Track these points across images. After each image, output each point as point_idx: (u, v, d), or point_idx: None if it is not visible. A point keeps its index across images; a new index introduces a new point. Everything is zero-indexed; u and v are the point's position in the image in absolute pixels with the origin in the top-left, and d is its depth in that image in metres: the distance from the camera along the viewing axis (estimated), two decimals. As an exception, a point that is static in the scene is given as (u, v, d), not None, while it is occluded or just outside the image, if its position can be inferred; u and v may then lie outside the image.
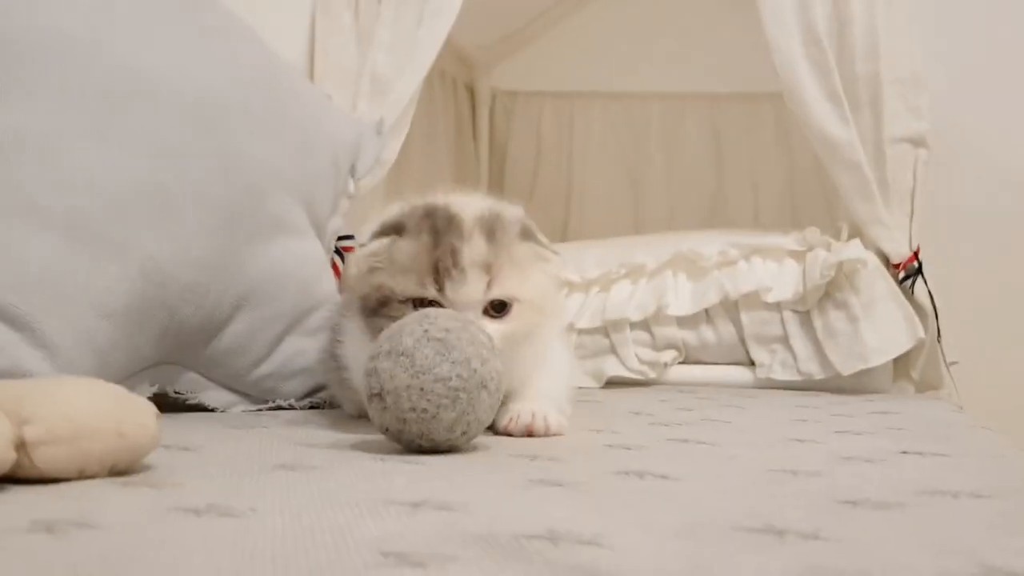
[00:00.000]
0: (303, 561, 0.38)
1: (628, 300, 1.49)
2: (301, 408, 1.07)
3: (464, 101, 2.29)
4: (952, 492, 0.54)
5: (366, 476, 0.60)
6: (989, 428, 1.01)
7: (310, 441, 0.77)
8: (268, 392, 1.05)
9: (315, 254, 1.12)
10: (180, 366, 0.97)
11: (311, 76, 1.59)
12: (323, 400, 1.09)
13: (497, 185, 2.29)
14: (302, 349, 1.06)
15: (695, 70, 2.20)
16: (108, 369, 0.84)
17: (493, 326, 0.80)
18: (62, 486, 0.53)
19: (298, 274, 1.06)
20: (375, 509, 0.48)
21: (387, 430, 0.71)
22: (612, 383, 1.45)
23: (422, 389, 0.69)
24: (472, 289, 0.80)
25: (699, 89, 2.22)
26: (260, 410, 1.04)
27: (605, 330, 1.48)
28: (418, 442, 0.70)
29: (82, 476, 0.55)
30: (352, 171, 1.32)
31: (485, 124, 2.35)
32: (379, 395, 0.70)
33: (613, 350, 1.47)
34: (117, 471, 0.57)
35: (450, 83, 2.19)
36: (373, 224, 0.85)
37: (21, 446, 0.52)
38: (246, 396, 1.04)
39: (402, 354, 0.70)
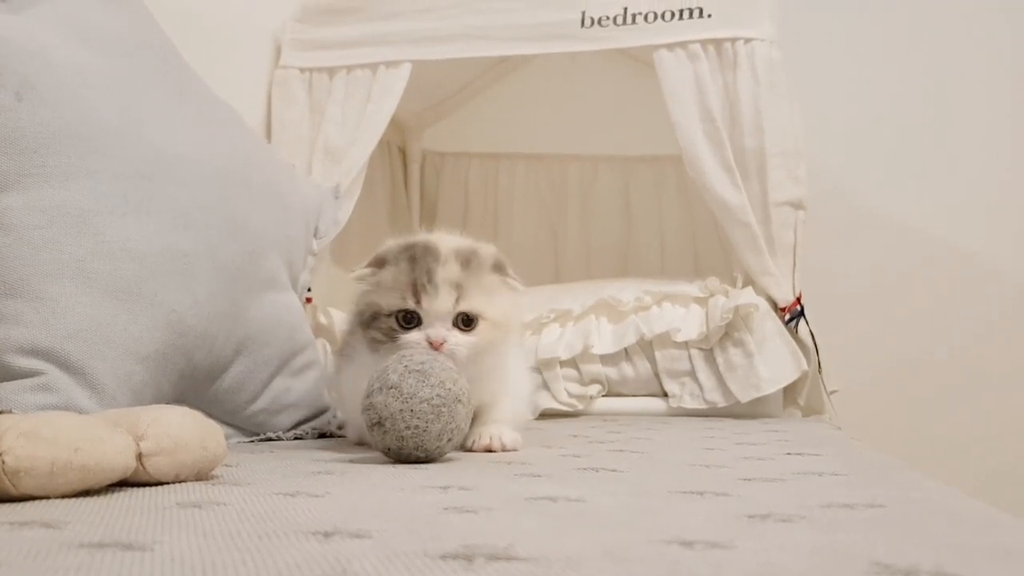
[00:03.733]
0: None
1: (558, 341, 1.66)
2: (287, 439, 1.22)
3: (397, 161, 2.43)
4: (849, 504, 0.59)
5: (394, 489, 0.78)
6: (860, 441, 1.23)
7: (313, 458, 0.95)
8: (259, 425, 1.21)
9: (296, 305, 1.29)
10: (188, 404, 1.12)
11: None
12: (305, 432, 1.25)
13: (428, 238, 2.44)
14: (288, 387, 1.23)
15: (607, 135, 2.34)
16: (139, 406, 0.99)
17: (462, 337, 0.98)
18: (177, 486, 0.70)
19: (285, 323, 1.23)
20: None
21: (388, 450, 0.88)
22: (545, 414, 1.61)
23: (412, 411, 0.86)
24: (442, 302, 0.97)
25: (611, 152, 2.37)
26: (252, 441, 1.19)
27: (538, 368, 1.65)
28: (415, 454, 0.87)
29: (177, 480, 0.72)
30: (315, 231, 1.50)
31: (417, 182, 2.47)
32: (379, 423, 0.87)
33: (546, 385, 1.64)
34: (200, 477, 0.74)
35: (385, 145, 2.36)
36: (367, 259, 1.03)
37: (138, 457, 0.69)
38: (240, 429, 1.19)
39: (391, 387, 0.87)
